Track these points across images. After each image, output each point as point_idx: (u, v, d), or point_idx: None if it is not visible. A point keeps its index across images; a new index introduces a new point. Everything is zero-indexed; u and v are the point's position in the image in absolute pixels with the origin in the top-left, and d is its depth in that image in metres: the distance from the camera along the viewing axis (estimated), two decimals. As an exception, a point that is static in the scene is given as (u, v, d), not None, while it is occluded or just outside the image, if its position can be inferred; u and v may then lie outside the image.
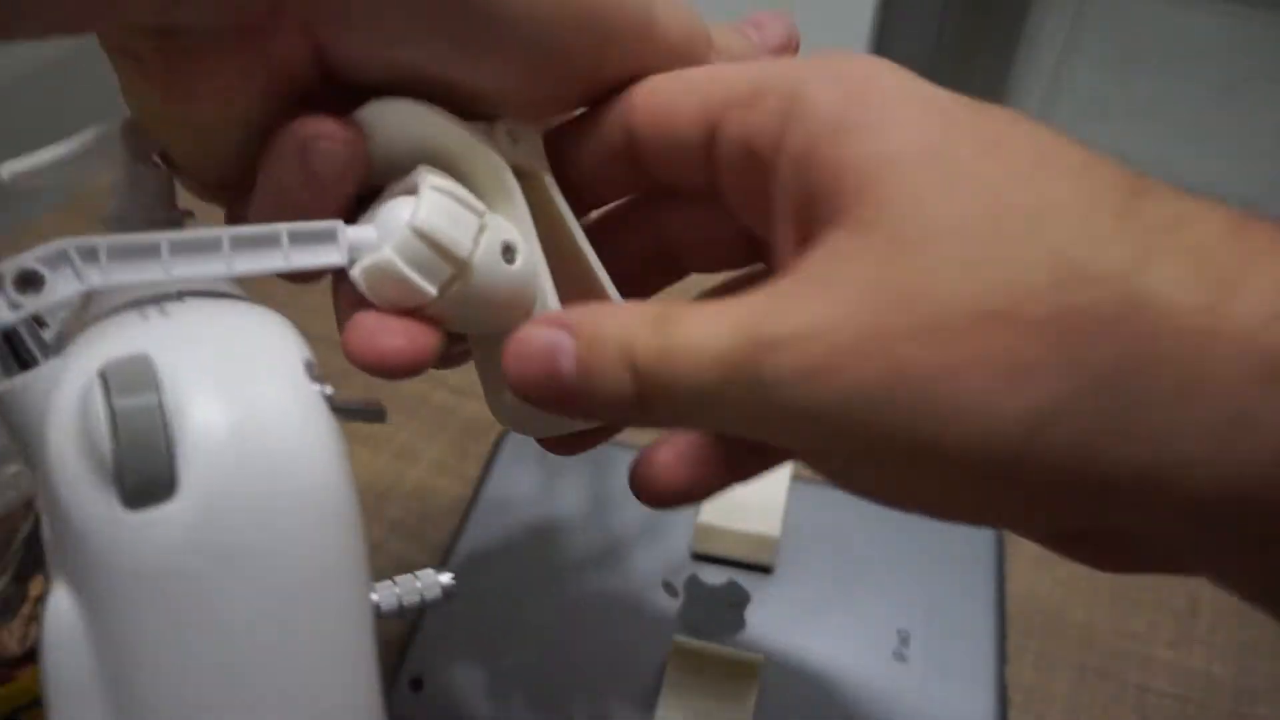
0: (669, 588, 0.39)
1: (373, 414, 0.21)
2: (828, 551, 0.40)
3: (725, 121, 0.22)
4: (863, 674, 0.36)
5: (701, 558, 0.40)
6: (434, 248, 0.21)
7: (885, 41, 1.20)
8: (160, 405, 0.17)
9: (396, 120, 0.22)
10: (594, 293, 0.25)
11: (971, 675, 0.36)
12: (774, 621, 0.38)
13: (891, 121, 0.19)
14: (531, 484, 0.42)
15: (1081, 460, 0.17)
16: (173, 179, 0.24)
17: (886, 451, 0.18)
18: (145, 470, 0.16)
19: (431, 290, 0.22)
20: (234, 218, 0.25)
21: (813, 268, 0.19)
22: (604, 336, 0.20)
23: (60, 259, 0.18)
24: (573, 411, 0.21)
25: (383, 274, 0.21)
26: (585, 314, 0.21)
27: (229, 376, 0.18)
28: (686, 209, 0.25)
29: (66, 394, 0.17)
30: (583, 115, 0.25)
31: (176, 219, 0.24)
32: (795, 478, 0.42)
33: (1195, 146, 1.75)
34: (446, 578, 0.24)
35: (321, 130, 0.21)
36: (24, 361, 0.19)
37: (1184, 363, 0.16)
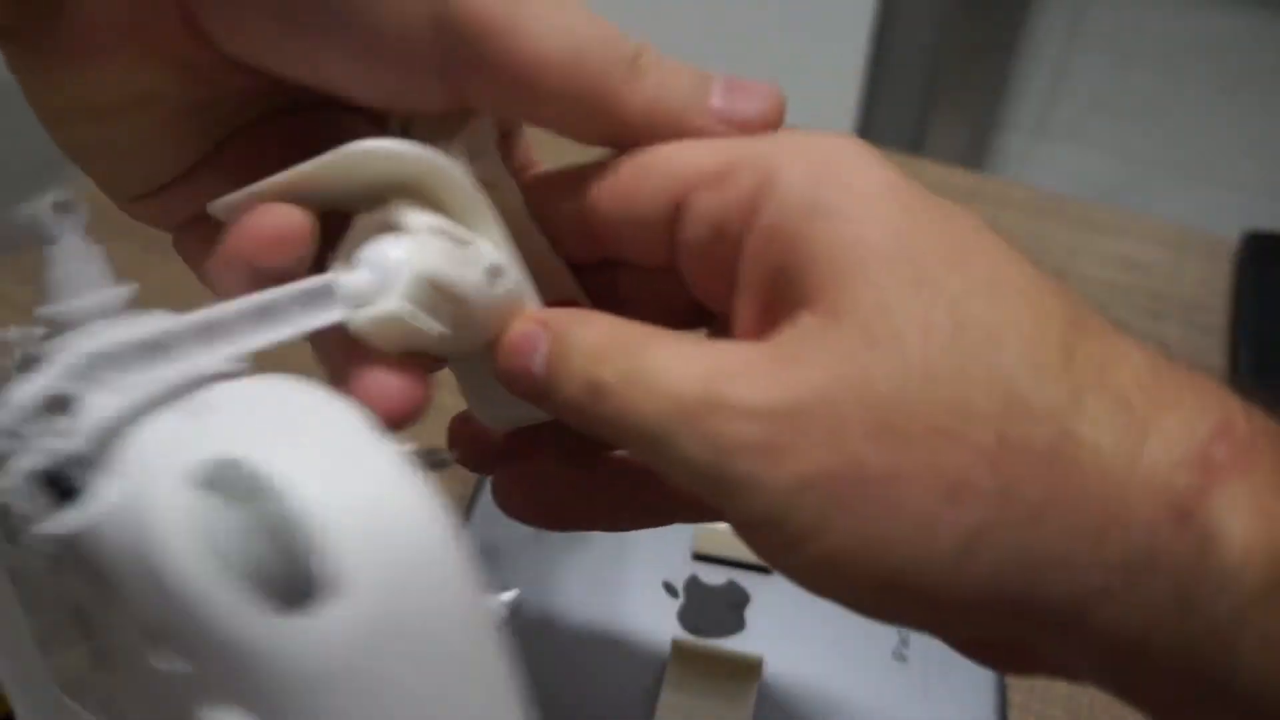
0: (669, 588, 0.39)
1: (439, 462, 0.21)
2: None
3: (693, 198, 0.22)
4: (863, 674, 0.36)
5: (702, 558, 0.40)
6: (440, 290, 0.21)
7: (885, 41, 1.20)
8: (295, 502, 0.16)
9: (358, 161, 0.22)
10: (563, 290, 0.25)
11: (971, 675, 0.36)
12: (774, 621, 0.38)
13: (863, 210, 0.20)
14: (532, 484, 0.42)
15: (1002, 584, 0.18)
16: (103, 251, 0.23)
17: (818, 542, 0.19)
18: (298, 569, 0.16)
19: (442, 331, 0.22)
20: (183, 245, 0.25)
21: (782, 344, 0.20)
22: (572, 343, 0.21)
23: (84, 372, 0.17)
24: (544, 408, 0.22)
25: (395, 324, 0.21)
26: (563, 316, 0.22)
27: (332, 458, 0.17)
28: (637, 275, 0.25)
29: (168, 513, 0.16)
30: (537, 185, 0.25)
31: (126, 294, 0.23)
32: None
33: (1196, 144, 1.75)
34: (509, 596, 0.23)
35: (264, 240, 0.21)
36: (67, 490, 0.17)
37: (1104, 502, 0.17)
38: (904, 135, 1.26)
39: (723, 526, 0.39)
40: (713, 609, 0.38)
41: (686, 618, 0.38)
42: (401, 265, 0.21)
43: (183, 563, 0.16)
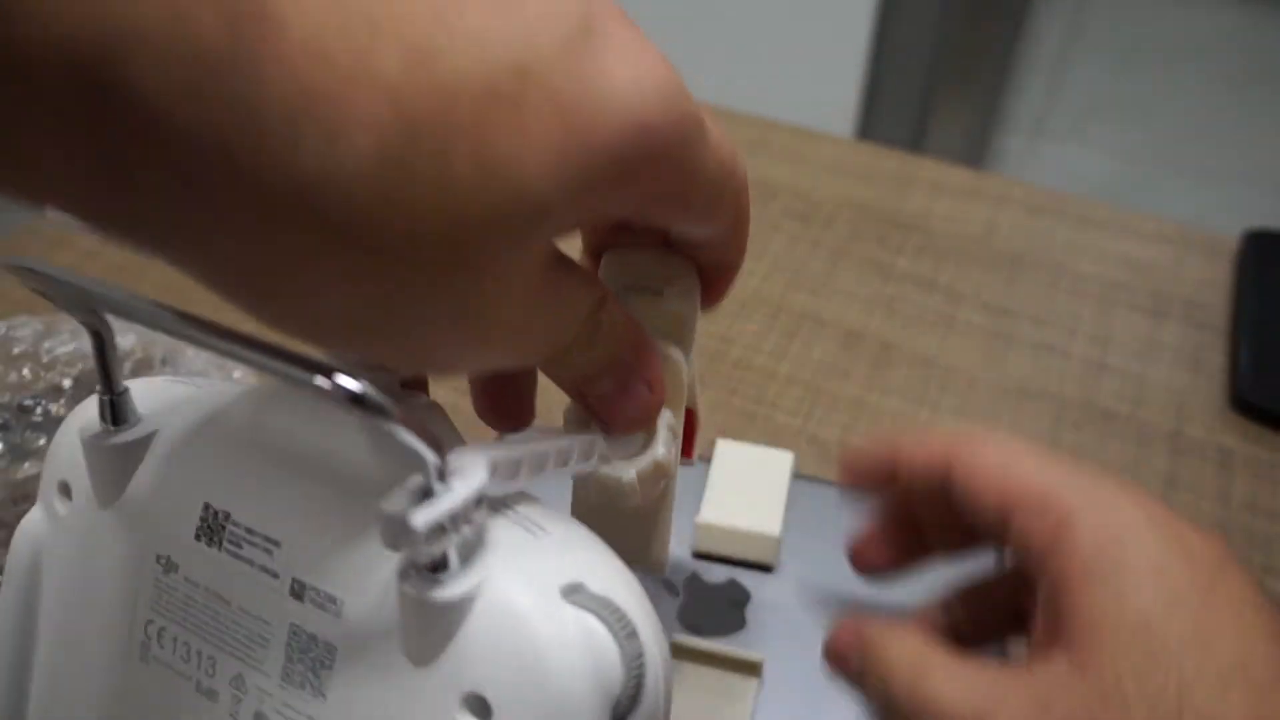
0: (669, 587, 0.39)
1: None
2: (828, 550, 0.40)
3: (1014, 518, 0.26)
4: (863, 673, 0.36)
5: (702, 556, 0.40)
6: (658, 469, 0.26)
7: (885, 41, 1.20)
8: (644, 642, 0.21)
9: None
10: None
11: (972, 674, 0.36)
12: (775, 620, 0.38)
13: (1128, 588, 0.24)
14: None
15: None
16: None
17: None
18: (637, 696, 0.21)
19: (641, 499, 0.26)
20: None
21: (1036, 686, 0.24)
22: (877, 658, 0.27)
23: (493, 474, 0.21)
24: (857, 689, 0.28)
25: (617, 489, 0.26)
26: (874, 632, 0.27)
27: (637, 596, 0.22)
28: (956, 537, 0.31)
29: (557, 626, 0.20)
30: (918, 445, 0.30)
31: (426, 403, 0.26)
32: (796, 476, 0.42)
33: (1196, 143, 1.75)
34: None
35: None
36: (438, 566, 0.20)
37: None
38: (904, 134, 1.26)
39: (723, 525, 0.39)
40: (713, 608, 0.38)
41: (686, 617, 0.38)
42: (649, 454, 0.26)
43: (558, 681, 0.20)
